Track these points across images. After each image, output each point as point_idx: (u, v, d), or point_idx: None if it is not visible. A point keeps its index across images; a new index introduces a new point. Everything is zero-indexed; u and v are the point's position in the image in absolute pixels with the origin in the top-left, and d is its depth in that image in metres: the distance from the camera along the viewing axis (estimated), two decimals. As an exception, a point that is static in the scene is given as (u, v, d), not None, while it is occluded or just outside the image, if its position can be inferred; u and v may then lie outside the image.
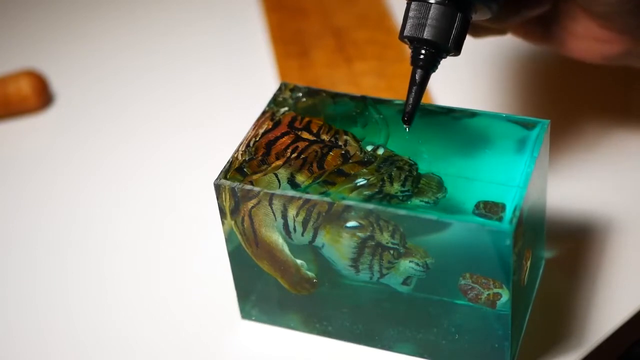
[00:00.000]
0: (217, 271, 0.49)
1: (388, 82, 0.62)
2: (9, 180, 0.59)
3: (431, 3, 0.41)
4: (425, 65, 0.42)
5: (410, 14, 0.42)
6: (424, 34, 0.41)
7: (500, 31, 0.51)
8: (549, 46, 0.50)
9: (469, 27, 0.42)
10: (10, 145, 0.62)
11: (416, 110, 0.42)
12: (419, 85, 0.42)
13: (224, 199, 0.42)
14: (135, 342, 0.47)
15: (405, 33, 0.42)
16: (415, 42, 0.42)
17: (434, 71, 0.42)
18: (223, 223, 0.43)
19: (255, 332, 0.46)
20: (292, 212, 0.41)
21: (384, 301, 0.43)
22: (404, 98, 0.43)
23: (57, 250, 0.53)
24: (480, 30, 0.50)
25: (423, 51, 0.42)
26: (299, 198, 0.41)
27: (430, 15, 0.41)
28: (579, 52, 0.49)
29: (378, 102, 0.45)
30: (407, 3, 0.42)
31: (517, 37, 0.51)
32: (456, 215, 0.39)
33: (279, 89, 0.46)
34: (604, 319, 0.45)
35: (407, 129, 0.43)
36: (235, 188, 0.42)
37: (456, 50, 0.42)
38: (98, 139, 0.61)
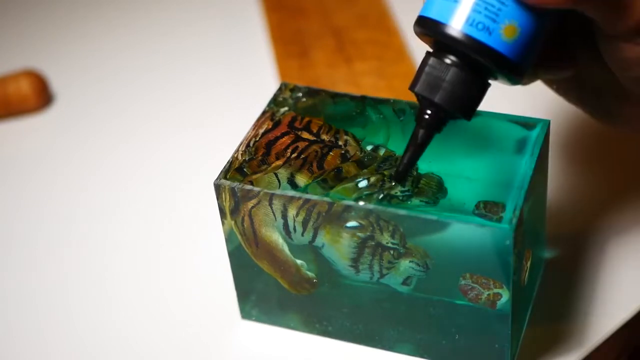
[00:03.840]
0: (217, 271, 0.49)
1: (388, 82, 0.62)
2: (9, 180, 0.59)
3: (450, 65, 0.38)
4: (429, 127, 0.39)
5: (427, 69, 0.38)
6: (436, 98, 0.38)
7: (521, 83, 0.47)
8: (581, 109, 0.46)
9: (485, 93, 0.39)
10: (10, 145, 0.62)
11: (410, 170, 0.40)
12: (418, 146, 0.39)
13: (224, 199, 0.42)
14: (135, 342, 0.47)
15: (417, 89, 0.39)
16: (427, 102, 0.39)
17: (437, 132, 0.39)
18: (223, 223, 0.43)
19: (255, 332, 0.46)
20: (292, 212, 0.41)
21: (384, 301, 0.43)
22: (404, 98, 0.43)
23: (57, 250, 0.53)
24: None
25: (429, 111, 0.39)
26: (299, 198, 0.41)
27: (447, 78, 0.38)
28: (616, 125, 0.45)
29: (378, 102, 0.45)
30: (425, 55, 0.39)
31: (551, 89, 0.47)
32: (456, 215, 0.39)
33: (279, 89, 0.46)
34: (604, 319, 0.45)
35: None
36: (235, 188, 0.42)
37: (466, 117, 0.39)
38: (98, 139, 0.62)
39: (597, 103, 0.44)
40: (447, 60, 0.38)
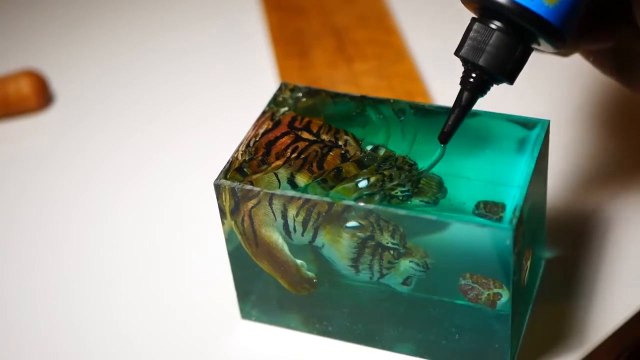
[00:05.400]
0: (217, 271, 0.49)
1: (388, 82, 0.62)
2: (9, 180, 0.59)
3: (494, 29, 0.40)
4: (473, 89, 0.41)
5: (471, 34, 0.40)
6: (480, 60, 0.40)
7: (564, 54, 0.48)
8: (614, 80, 0.48)
9: (528, 58, 0.40)
10: (10, 145, 0.62)
11: (455, 131, 0.41)
12: (463, 108, 0.41)
13: (224, 199, 0.42)
14: (135, 342, 0.47)
15: (462, 53, 0.40)
16: (469, 65, 0.40)
17: (482, 96, 0.41)
18: (223, 223, 0.43)
19: (255, 332, 0.46)
20: (292, 212, 0.41)
21: (384, 301, 0.43)
22: (404, 98, 0.43)
23: (57, 250, 0.53)
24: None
25: (474, 75, 0.40)
26: (299, 198, 0.41)
27: (491, 41, 0.40)
28: None
29: (378, 102, 0.45)
30: (470, 21, 0.41)
31: (587, 61, 0.48)
32: (456, 215, 0.39)
33: (279, 89, 0.46)
34: (604, 319, 0.45)
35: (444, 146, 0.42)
36: (235, 188, 0.42)
37: (509, 80, 0.41)
38: (98, 139, 0.62)
39: (634, 74, 0.45)
40: (492, 25, 0.40)
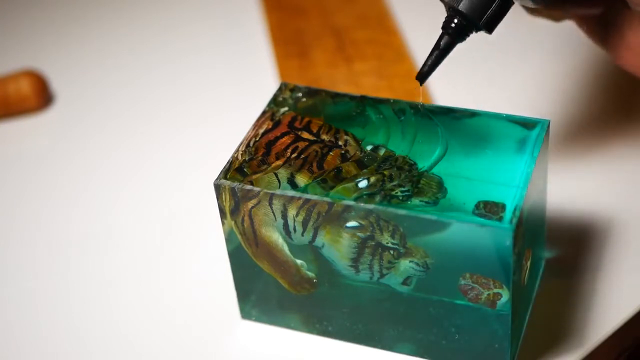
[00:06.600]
0: (217, 271, 0.49)
1: (388, 82, 0.62)
2: (9, 180, 0.59)
3: None
4: (453, 34, 0.43)
5: None
6: (460, 6, 0.42)
7: (555, 17, 0.51)
8: (604, 49, 0.50)
9: (508, 11, 0.43)
10: (10, 145, 0.62)
11: (431, 72, 0.43)
12: (441, 51, 0.43)
13: (224, 199, 0.42)
14: (135, 342, 0.47)
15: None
16: (451, 10, 0.43)
17: (460, 42, 0.43)
18: (223, 223, 0.43)
19: (255, 332, 0.46)
20: (292, 212, 0.41)
21: (384, 301, 0.43)
22: (404, 98, 0.43)
23: (57, 250, 0.53)
24: (534, 11, 0.50)
25: (456, 20, 0.43)
26: (299, 198, 0.41)
27: None
28: (629, 64, 0.48)
29: (378, 102, 0.45)
30: None
31: (580, 29, 0.51)
32: (456, 215, 0.39)
33: (279, 89, 0.47)
34: (604, 319, 0.45)
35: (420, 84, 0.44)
36: (235, 188, 0.42)
37: (487, 29, 0.43)
38: (98, 139, 0.62)
39: (615, 40, 0.47)
40: None
